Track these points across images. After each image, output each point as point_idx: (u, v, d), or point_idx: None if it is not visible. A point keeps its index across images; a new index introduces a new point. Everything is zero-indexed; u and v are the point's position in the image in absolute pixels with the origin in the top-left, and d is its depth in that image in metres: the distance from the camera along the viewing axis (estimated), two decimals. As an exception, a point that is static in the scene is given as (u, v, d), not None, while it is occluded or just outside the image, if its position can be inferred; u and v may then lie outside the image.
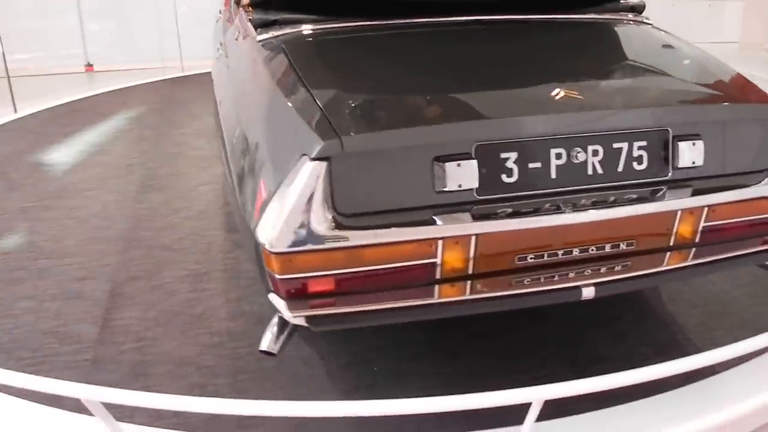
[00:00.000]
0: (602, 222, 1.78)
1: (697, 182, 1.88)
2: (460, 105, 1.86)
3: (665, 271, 1.93)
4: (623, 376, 1.79)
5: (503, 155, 1.72)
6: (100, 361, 2.37)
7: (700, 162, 1.87)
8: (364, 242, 1.65)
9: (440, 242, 1.68)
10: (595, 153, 1.79)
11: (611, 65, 2.19)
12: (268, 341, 1.76)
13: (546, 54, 2.20)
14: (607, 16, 2.58)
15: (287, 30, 2.31)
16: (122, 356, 2.40)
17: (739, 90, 2.08)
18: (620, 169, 1.82)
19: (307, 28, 2.32)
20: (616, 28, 2.54)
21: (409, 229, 1.67)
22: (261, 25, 2.34)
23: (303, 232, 1.61)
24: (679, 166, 1.85)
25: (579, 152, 1.77)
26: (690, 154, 1.85)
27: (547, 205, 1.76)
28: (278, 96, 1.88)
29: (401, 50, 2.23)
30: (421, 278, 1.72)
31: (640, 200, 1.83)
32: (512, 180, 1.74)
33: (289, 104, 1.81)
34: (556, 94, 1.83)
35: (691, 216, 1.86)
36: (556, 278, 1.81)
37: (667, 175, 1.86)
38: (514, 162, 1.73)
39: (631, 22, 2.57)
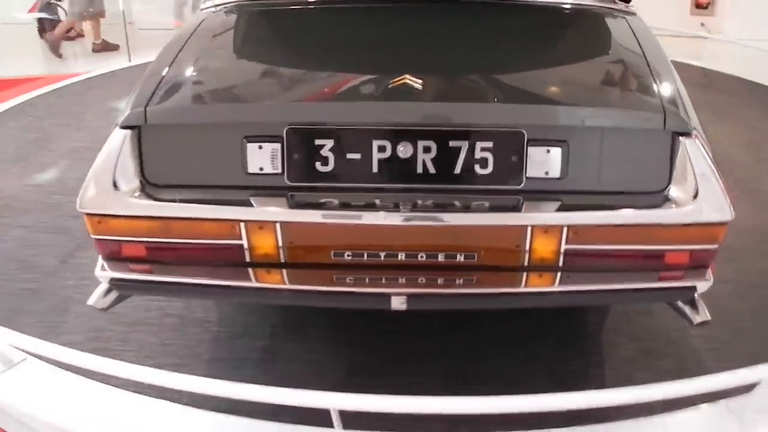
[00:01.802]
0: (428, 228, 1.62)
1: (556, 196, 1.65)
2: (286, 85, 1.77)
3: (518, 293, 1.71)
4: (455, 402, 1.64)
5: (318, 142, 1.62)
6: (40, 291, 2.55)
7: (556, 173, 1.62)
8: (169, 214, 1.65)
9: (243, 225, 1.64)
10: (427, 150, 1.62)
11: (516, 58, 1.92)
12: (95, 297, 1.80)
13: (455, 38, 2.00)
14: (587, 2, 2.30)
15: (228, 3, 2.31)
16: (61, 291, 2.56)
17: (642, 97, 1.76)
18: (457, 171, 1.64)
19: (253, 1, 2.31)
20: (576, 17, 2.26)
21: (211, 207, 1.64)
22: None
23: (107, 196, 1.65)
24: (530, 175, 1.63)
25: (406, 147, 1.61)
26: (544, 163, 1.62)
27: (363, 202, 1.64)
28: (151, 64, 1.89)
29: (310, 26, 2.16)
30: (230, 258, 1.68)
31: (475, 210, 1.64)
32: (327, 169, 1.63)
33: (146, 73, 1.83)
34: (399, 81, 1.65)
35: (545, 235, 1.63)
36: (369, 282, 1.68)
37: (518, 185, 1.65)
38: (330, 150, 1.62)
39: (610, 12, 2.27)
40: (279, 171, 1.62)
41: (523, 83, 1.79)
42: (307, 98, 1.69)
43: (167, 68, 1.79)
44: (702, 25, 7.88)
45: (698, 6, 7.96)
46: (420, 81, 1.65)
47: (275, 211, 1.63)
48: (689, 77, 5.05)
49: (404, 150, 1.61)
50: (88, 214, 1.67)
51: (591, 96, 1.76)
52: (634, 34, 2.07)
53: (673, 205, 1.62)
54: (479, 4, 2.22)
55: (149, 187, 1.68)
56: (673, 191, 1.63)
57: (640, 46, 1.95)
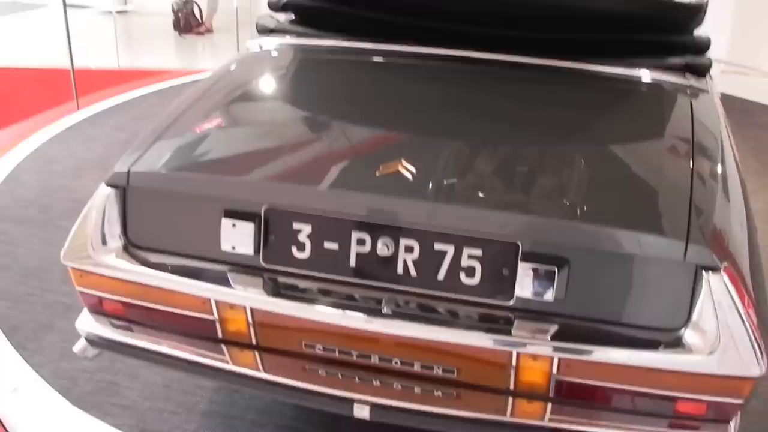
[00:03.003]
0: (403, 337, 1.51)
1: (550, 320, 1.45)
2: (272, 159, 1.69)
3: (498, 422, 1.52)
4: None
5: (295, 226, 1.54)
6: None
7: (552, 294, 1.43)
8: (144, 281, 1.64)
9: (213, 302, 1.59)
10: (409, 250, 1.50)
11: (529, 145, 1.74)
12: (80, 346, 1.81)
13: (471, 111, 1.86)
14: (655, 74, 2.06)
15: (275, 40, 2.30)
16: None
17: (666, 214, 1.49)
18: (441, 277, 1.50)
19: (295, 42, 2.29)
20: (623, 93, 2.03)
21: (185, 280, 1.61)
22: (261, 30, 2.35)
23: (89, 253, 1.66)
24: (522, 292, 1.46)
25: (386, 244, 1.50)
26: (539, 281, 1.43)
27: (337, 297, 1.54)
28: (160, 116, 1.88)
29: (346, 82, 2.10)
30: (202, 332, 1.65)
31: (455, 324, 1.50)
32: (303, 256, 1.55)
33: (150, 126, 1.82)
34: (391, 168, 1.53)
35: (534, 362, 1.47)
36: (334, 382, 1.57)
37: (507, 301, 1.48)
38: (308, 236, 1.54)
39: (673, 89, 2.04)
40: (252, 252, 1.55)
41: (528, 184, 1.59)
42: (289, 178, 1.60)
43: (168, 125, 1.79)
44: None
45: None
46: (413, 170, 1.52)
47: (248, 295, 1.57)
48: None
49: (384, 247, 1.50)
50: (72, 267, 1.67)
51: (604, 209, 1.49)
52: (692, 121, 1.82)
53: (688, 350, 1.38)
54: (514, 70, 2.06)
55: (131, 247, 1.67)
56: (690, 335, 1.39)
57: (692, 141, 1.70)
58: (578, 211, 1.49)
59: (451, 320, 1.50)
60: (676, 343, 1.39)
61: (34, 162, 3.99)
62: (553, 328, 1.44)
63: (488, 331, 1.47)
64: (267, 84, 2.15)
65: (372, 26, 2.23)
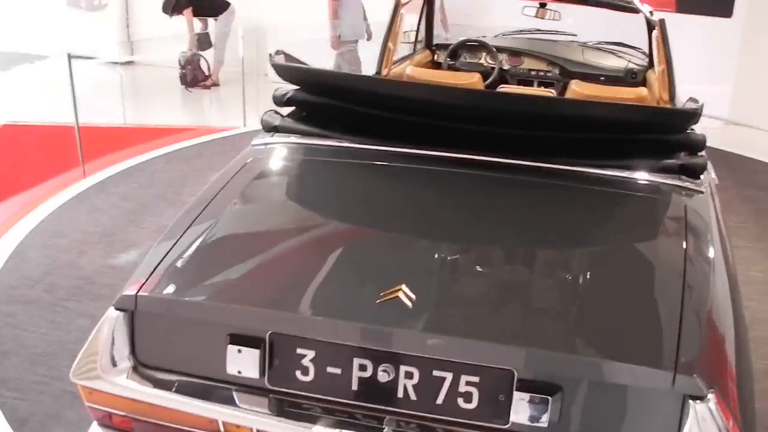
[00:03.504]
0: None
1: None
2: (275, 284, 1.73)
3: None
4: None
5: (299, 351, 1.60)
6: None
7: (546, 419, 1.48)
8: (152, 401, 1.69)
9: (220, 422, 1.64)
10: (409, 376, 1.56)
11: (526, 269, 1.81)
12: None
13: (473, 228, 1.90)
14: (650, 177, 2.10)
15: (279, 139, 2.34)
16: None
17: (655, 344, 1.54)
18: (440, 401, 1.55)
19: (299, 142, 2.33)
20: (625, 206, 2.08)
21: (193, 401, 1.66)
22: (266, 128, 2.39)
23: (98, 373, 1.71)
24: (517, 417, 1.51)
25: (387, 370, 1.55)
26: (533, 407, 1.49)
27: (338, 418, 1.59)
28: (165, 231, 1.92)
29: (348, 191, 2.13)
30: None
31: None
32: (307, 379, 1.61)
33: (156, 244, 1.86)
34: (392, 295, 1.58)
35: None
36: None
37: (504, 425, 1.53)
38: (311, 361, 1.59)
39: (670, 193, 2.07)
40: (257, 376, 1.60)
41: (522, 311, 1.66)
42: (292, 305, 1.65)
43: (174, 243, 1.82)
44: None
45: None
46: (412, 297, 1.58)
47: (255, 418, 1.62)
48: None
49: (385, 373, 1.55)
50: (80, 384, 1.72)
51: (595, 339, 1.57)
52: (685, 234, 1.86)
53: None
54: (509, 174, 2.10)
55: (140, 367, 1.71)
56: None
57: (684, 257, 1.75)
58: (570, 341, 1.57)
59: None
60: None
61: (39, 236, 4.05)
62: None
63: None
64: (270, 196, 2.19)
65: (374, 125, 2.29)
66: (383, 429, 1.57)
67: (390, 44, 3.66)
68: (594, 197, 2.06)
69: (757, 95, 6.99)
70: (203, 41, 8.52)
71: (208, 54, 8.64)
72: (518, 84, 4.53)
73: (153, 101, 7.98)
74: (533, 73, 4.51)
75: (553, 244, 1.88)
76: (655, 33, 3.50)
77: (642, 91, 3.73)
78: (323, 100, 2.35)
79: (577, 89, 3.84)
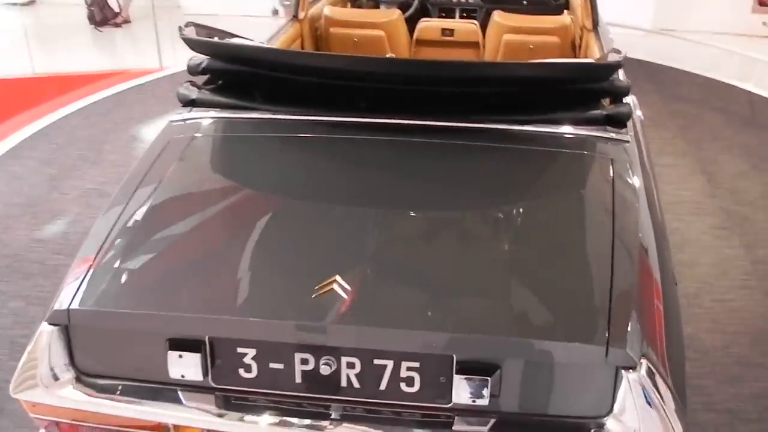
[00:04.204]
0: None
1: (487, 417, 1.56)
2: (210, 285, 1.69)
3: None
4: None
5: (240, 350, 1.59)
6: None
7: (487, 394, 1.52)
8: (95, 410, 1.67)
9: (171, 425, 1.64)
10: (351, 366, 1.57)
11: (460, 249, 1.78)
12: None
13: (405, 207, 1.89)
14: (575, 131, 2.09)
15: (199, 114, 2.25)
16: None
17: (586, 317, 1.56)
18: (383, 387, 1.58)
19: (219, 116, 2.24)
20: (551, 165, 2.06)
21: (138, 406, 1.65)
22: (182, 101, 2.30)
23: (37, 386, 1.67)
24: (459, 395, 1.55)
25: (329, 362, 1.57)
26: (474, 385, 1.53)
27: (288, 408, 1.61)
28: (88, 235, 1.85)
29: (273, 172, 2.06)
30: None
31: (400, 423, 1.59)
32: (251, 376, 1.61)
33: (79, 254, 1.80)
34: (326, 288, 1.57)
35: None
36: None
37: (446, 404, 1.57)
38: (252, 359, 1.59)
39: (595, 147, 2.07)
40: (201, 378, 1.59)
41: (456, 295, 1.65)
42: (228, 308, 1.63)
43: (101, 245, 1.76)
44: (764, 24, 7.36)
45: (762, 3, 7.39)
46: (348, 288, 1.57)
47: (203, 418, 1.62)
48: (727, 106, 4.90)
49: (327, 366, 1.57)
50: (22, 399, 1.69)
51: (528, 318, 1.61)
52: (612, 190, 1.87)
53: None
54: (431, 136, 2.07)
55: (82, 376, 1.68)
56: (611, 423, 1.53)
57: (613, 221, 1.76)
58: (504, 322, 1.59)
59: (396, 421, 1.60)
60: (599, 430, 1.53)
61: (-42, 211, 3.87)
62: (490, 423, 1.56)
63: (431, 429, 1.58)
64: (193, 185, 2.07)
65: (295, 93, 2.22)
66: (330, 415, 1.60)
67: None
68: (518, 158, 2.04)
69: (680, 4, 7.06)
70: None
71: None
72: (440, 14, 4.46)
73: (61, 45, 7.54)
74: (455, 0, 4.44)
75: (480, 217, 1.89)
76: None
77: (564, 19, 3.72)
78: (241, 68, 2.26)
79: (500, 20, 3.80)
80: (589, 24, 3.29)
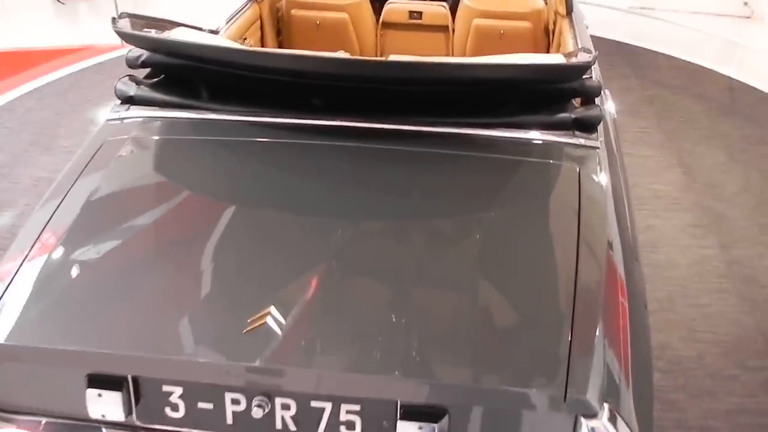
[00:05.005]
0: None
1: None
2: (133, 318, 1.52)
3: None
4: None
5: (165, 389, 1.45)
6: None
7: None
8: None
9: None
10: (286, 407, 1.43)
11: (408, 278, 1.61)
12: None
13: (350, 231, 1.73)
14: (542, 136, 1.94)
15: (138, 113, 2.07)
16: None
17: (545, 359, 1.41)
18: (321, 430, 1.44)
19: (160, 115, 2.06)
20: (515, 176, 1.90)
21: None
22: (121, 98, 2.11)
23: None
24: None
25: (261, 404, 1.42)
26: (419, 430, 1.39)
27: None
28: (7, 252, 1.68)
29: (212, 184, 1.88)
30: None
31: None
32: (178, 415, 1.47)
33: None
34: (259, 322, 1.42)
35: None
36: None
37: None
38: (180, 397, 1.45)
39: (562, 156, 1.92)
40: (123, 418, 1.45)
41: (401, 333, 1.47)
42: (152, 345, 1.47)
43: (17, 267, 1.60)
44: (745, 4, 7.21)
45: (743, -18, 7.23)
46: (283, 322, 1.43)
47: None
48: (705, 92, 4.76)
49: (260, 408, 1.43)
50: None
51: (479, 361, 1.43)
52: (578, 208, 1.71)
53: None
54: (389, 142, 1.91)
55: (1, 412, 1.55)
56: None
57: (578, 246, 1.61)
58: (453, 365, 1.44)
59: None
60: None
61: None
62: None
63: None
64: (125, 199, 1.88)
65: (241, 90, 2.05)
66: None
67: None
68: (476, 168, 1.88)
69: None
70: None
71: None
72: None
73: (20, 18, 7.23)
74: None
75: (432, 242, 1.72)
76: None
77: (537, 3, 3.55)
78: (184, 62, 2.08)
79: (470, 4, 3.62)
80: (562, 10, 3.12)
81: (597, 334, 1.46)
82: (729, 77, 5.36)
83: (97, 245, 1.70)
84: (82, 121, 4.45)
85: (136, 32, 2.07)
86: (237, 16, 3.15)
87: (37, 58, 5.66)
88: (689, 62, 5.57)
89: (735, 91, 5.19)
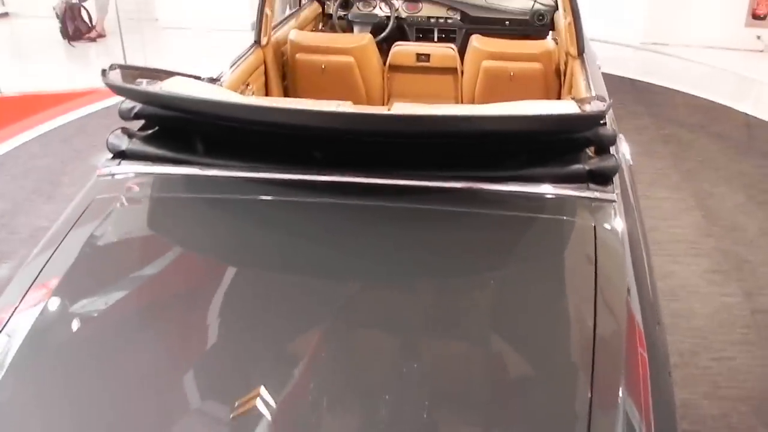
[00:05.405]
0: None
1: None
2: (112, 410, 1.38)
3: None
4: None
5: None
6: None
7: None
8: None
9: None
10: None
11: (413, 354, 1.48)
12: None
13: (348, 308, 1.60)
14: (555, 190, 1.83)
15: (130, 168, 1.98)
16: None
17: None
18: None
19: (153, 171, 1.97)
20: (527, 235, 1.79)
21: None
22: (113, 152, 2.02)
23: None
24: None
25: None
26: None
27: None
28: None
29: (202, 250, 1.78)
30: None
31: None
32: None
33: None
34: (248, 404, 1.28)
35: None
36: None
37: None
38: None
39: (576, 211, 1.82)
40: None
41: (414, 415, 1.34)
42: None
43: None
44: (758, 38, 7.13)
45: (755, 17, 7.16)
46: (273, 405, 1.30)
47: None
48: (722, 130, 4.67)
49: None
50: None
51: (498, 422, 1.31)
52: (595, 266, 1.58)
53: None
54: (397, 201, 1.80)
55: None
56: None
57: (595, 307, 1.47)
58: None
59: None
60: None
61: None
62: None
63: None
64: (110, 270, 1.74)
65: (240, 144, 1.96)
66: None
67: (267, 10, 3.28)
68: (485, 227, 1.77)
69: (671, 17, 6.83)
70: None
71: (90, 4, 7.95)
72: (417, 35, 4.24)
73: (32, 61, 7.27)
74: (432, 20, 4.22)
75: (445, 306, 1.60)
76: None
77: (548, 44, 3.47)
78: (179, 114, 1.99)
79: (478, 45, 3.55)
80: (574, 51, 3.03)
81: (619, 389, 1.34)
82: (745, 114, 5.23)
83: (75, 317, 1.58)
84: (86, 168, 4.37)
85: (127, 85, 1.99)
86: (239, 61, 3.09)
87: (45, 102, 5.64)
88: (704, 99, 5.46)
89: (752, 127, 5.06)
